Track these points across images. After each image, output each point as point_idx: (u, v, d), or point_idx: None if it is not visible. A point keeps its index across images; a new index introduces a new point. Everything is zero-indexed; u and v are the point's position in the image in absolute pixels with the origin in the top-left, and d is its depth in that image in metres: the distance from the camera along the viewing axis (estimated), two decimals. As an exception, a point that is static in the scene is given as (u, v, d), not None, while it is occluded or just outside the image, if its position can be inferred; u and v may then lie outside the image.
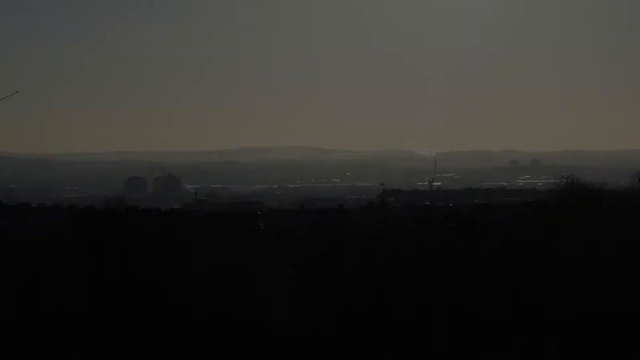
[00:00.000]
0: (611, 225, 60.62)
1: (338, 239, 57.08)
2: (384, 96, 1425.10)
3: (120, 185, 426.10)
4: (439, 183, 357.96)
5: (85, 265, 55.97)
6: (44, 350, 48.93)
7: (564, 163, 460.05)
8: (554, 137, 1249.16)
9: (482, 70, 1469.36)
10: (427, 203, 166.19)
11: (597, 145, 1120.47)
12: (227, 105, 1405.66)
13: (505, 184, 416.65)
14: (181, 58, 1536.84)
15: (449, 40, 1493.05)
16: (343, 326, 50.24)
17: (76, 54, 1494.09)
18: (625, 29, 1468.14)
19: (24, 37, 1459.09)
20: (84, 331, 51.79)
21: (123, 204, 65.03)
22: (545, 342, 52.53)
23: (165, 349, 51.21)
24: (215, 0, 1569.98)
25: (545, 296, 52.84)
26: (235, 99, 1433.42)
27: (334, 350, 49.25)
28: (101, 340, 50.89)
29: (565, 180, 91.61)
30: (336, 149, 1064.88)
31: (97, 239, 55.81)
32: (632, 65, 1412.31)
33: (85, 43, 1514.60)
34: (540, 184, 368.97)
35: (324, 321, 50.72)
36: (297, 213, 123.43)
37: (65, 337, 51.34)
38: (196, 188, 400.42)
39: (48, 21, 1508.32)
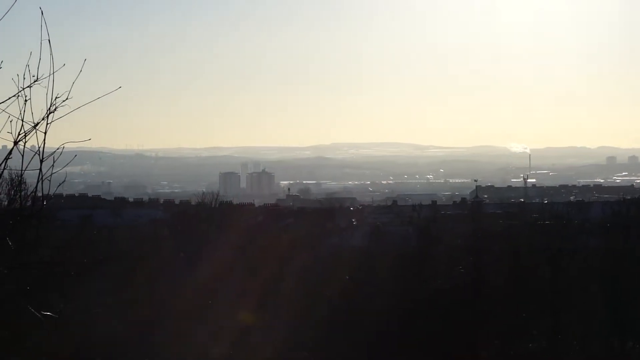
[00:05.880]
0: None
1: (430, 235, 56.84)
2: (477, 92, 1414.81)
3: (214, 180, 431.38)
4: (534, 180, 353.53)
5: (182, 259, 56.82)
6: (143, 346, 49.78)
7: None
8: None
9: (578, 66, 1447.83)
10: (522, 200, 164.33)
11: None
12: (320, 102, 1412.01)
13: (602, 181, 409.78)
14: (274, 55, 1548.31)
15: (545, 37, 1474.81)
16: (435, 321, 50.03)
17: (170, 52, 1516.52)
18: None
19: (123, 35, 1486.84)
20: (180, 325, 52.53)
21: (217, 199, 65.90)
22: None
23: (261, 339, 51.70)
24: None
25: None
26: (329, 95, 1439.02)
27: (429, 348, 49.05)
28: (199, 333, 51.58)
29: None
30: (429, 145, 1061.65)
31: (192, 233, 56.66)
32: None
33: (180, 41, 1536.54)
34: (638, 181, 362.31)
35: (417, 316, 50.58)
36: (390, 209, 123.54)
37: (161, 332, 52.15)
38: (289, 183, 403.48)
39: (148, 20, 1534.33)
